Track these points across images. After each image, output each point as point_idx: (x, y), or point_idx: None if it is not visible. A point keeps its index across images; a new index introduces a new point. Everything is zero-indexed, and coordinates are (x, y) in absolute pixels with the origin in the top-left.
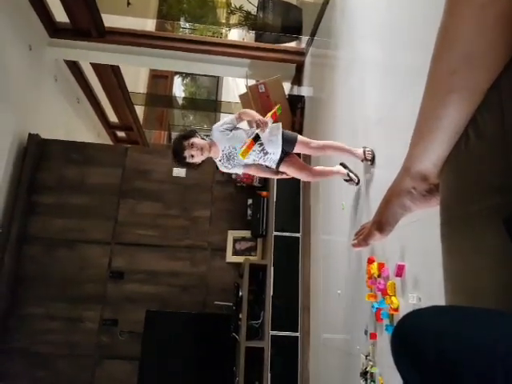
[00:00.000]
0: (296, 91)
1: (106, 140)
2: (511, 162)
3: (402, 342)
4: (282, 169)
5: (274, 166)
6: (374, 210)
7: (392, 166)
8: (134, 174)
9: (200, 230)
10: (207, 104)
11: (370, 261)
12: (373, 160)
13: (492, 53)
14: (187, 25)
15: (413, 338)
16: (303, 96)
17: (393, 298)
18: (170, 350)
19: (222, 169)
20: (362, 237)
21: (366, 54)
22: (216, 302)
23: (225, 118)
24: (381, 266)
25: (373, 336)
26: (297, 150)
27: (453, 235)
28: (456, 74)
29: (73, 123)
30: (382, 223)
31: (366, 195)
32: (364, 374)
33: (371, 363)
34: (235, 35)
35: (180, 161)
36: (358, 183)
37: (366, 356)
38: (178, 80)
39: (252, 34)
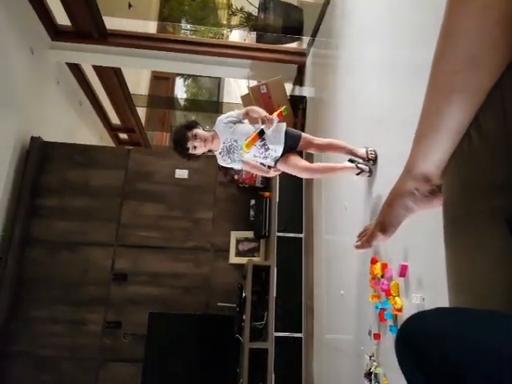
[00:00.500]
0: (298, 92)
1: (109, 142)
2: None
3: (407, 344)
4: (279, 165)
5: (273, 164)
6: (376, 210)
7: (394, 166)
8: (137, 176)
9: (203, 232)
10: (209, 105)
11: (374, 261)
12: (375, 160)
13: (494, 53)
14: (188, 26)
15: (417, 339)
16: (305, 96)
17: (396, 298)
18: (173, 351)
19: (221, 162)
20: (365, 238)
21: (367, 54)
22: (219, 304)
23: (231, 112)
24: (384, 266)
25: (377, 336)
26: (301, 147)
27: (456, 235)
28: (458, 74)
29: (75, 126)
30: (385, 224)
31: (369, 195)
32: (368, 374)
33: (375, 364)
34: (236, 36)
35: (182, 151)
36: (370, 173)
37: (370, 357)
38: (179, 81)
39: (253, 35)
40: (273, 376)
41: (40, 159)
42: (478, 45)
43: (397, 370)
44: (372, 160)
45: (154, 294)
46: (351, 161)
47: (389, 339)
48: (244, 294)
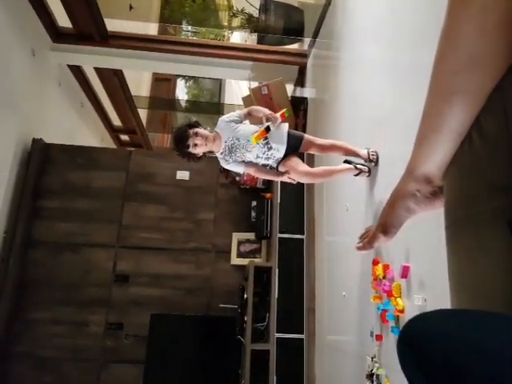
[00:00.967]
0: (299, 93)
1: (110, 144)
2: None
3: (408, 345)
4: (281, 168)
5: (275, 166)
6: (378, 211)
7: (396, 167)
8: (138, 177)
9: (204, 233)
10: (210, 106)
11: (375, 262)
12: (377, 161)
13: (494, 55)
14: (189, 28)
15: (419, 340)
16: (306, 98)
17: (398, 299)
18: (175, 353)
19: (223, 163)
20: (367, 240)
21: (367, 55)
22: (221, 305)
23: (233, 112)
24: (386, 267)
25: (378, 338)
26: (303, 148)
27: (458, 237)
28: (459, 75)
29: (76, 127)
30: (386, 226)
31: (370, 196)
32: (370, 375)
33: (377, 365)
34: (237, 38)
35: (182, 149)
36: (369, 173)
37: (372, 358)
38: (180, 83)
39: (254, 36)
40: (274, 377)
41: (41, 161)
42: (478, 46)
43: (399, 372)
44: (373, 161)
45: (155, 296)
46: (348, 162)
47: (391, 340)
48: (245, 296)
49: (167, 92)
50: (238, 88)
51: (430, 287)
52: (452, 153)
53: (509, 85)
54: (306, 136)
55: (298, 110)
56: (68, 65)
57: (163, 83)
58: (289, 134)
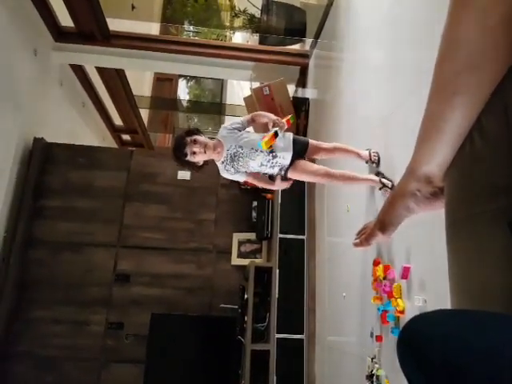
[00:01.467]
0: (300, 93)
1: (111, 143)
2: None
3: (408, 345)
4: (291, 174)
5: (282, 173)
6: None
7: (397, 168)
8: (139, 177)
9: (205, 233)
10: (212, 107)
11: (376, 263)
12: (378, 162)
13: (495, 55)
14: (191, 28)
15: (419, 340)
16: (307, 98)
17: (398, 300)
18: (175, 352)
19: (223, 173)
20: (364, 236)
21: (369, 56)
22: (221, 305)
23: (235, 119)
24: (386, 268)
25: (379, 338)
26: (309, 154)
27: (458, 237)
28: (460, 76)
29: (78, 127)
30: (385, 224)
31: (371, 197)
32: (370, 376)
33: (377, 366)
34: (239, 38)
35: (179, 157)
36: (392, 189)
37: (372, 358)
38: (182, 83)
39: (256, 36)
40: (274, 377)
41: (43, 160)
42: (478, 47)
43: (399, 372)
44: (375, 162)
45: (156, 295)
46: (378, 174)
47: (391, 341)
48: (246, 296)
49: (169, 92)
50: (239, 88)
51: (430, 288)
52: (453, 153)
53: (509, 85)
54: (311, 141)
55: (300, 110)
56: (70, 64)
57: (165, 83)
58: (294, 140)
